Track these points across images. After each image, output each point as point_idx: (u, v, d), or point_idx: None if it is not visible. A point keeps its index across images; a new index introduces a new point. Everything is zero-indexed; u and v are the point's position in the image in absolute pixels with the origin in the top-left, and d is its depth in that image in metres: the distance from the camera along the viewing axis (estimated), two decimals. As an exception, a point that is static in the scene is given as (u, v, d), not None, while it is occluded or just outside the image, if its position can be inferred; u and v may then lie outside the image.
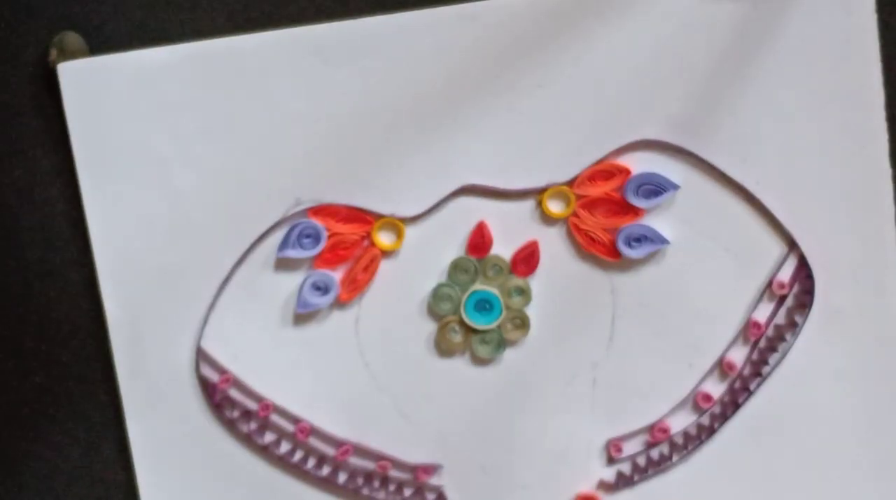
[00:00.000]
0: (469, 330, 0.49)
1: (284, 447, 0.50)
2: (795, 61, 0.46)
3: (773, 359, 0.49)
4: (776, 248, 0.48)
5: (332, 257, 0.49)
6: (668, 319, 0.49)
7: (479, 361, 0.50)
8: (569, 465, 0.50)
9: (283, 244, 0.48)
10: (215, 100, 0.47)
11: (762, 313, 0.49)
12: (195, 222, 0.48)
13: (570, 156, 0.48)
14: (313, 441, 0.50)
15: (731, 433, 0.50)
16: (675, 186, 0.48)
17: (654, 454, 0.50)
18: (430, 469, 0.50)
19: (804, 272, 0.48)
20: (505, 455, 0.50)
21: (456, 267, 0.49)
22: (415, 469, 0.50)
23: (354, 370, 0.50)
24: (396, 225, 0.48)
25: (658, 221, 0.48)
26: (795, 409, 0.49)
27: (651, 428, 0.50)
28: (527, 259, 0.49)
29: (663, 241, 0.48)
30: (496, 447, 0.50)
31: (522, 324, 0.49)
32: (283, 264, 0.49)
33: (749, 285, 0.49)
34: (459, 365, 0.50)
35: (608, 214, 0.48)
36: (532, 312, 0.49)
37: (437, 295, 0.49)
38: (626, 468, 0.50)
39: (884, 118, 0.47)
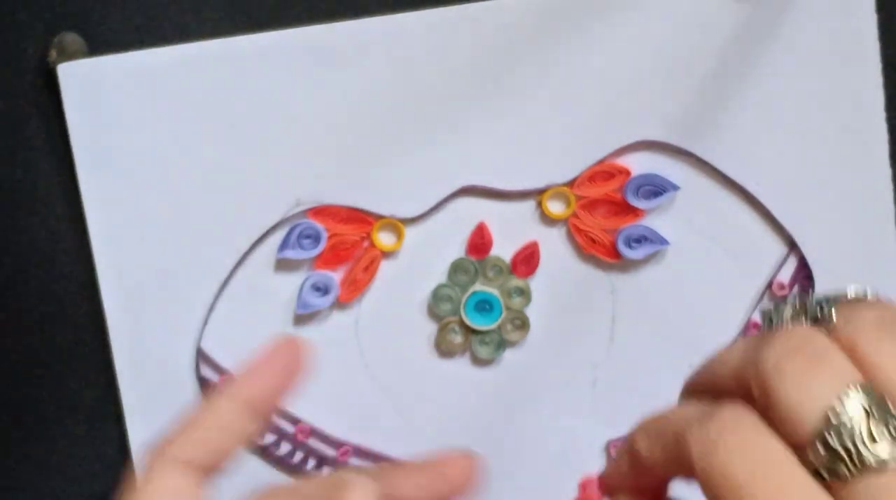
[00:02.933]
0: (469, 331, 0.49)
1: (284, 447, 0.50)
2: (795, 62, 0.46)
3: (773, 360, 0.49)
4: (776, 248, 0.48)
5: (331, 257, 0.49)
6: (668, 319, 0.49)
7: (479, 361, 0.50)
8: (569, 465, 0.50)
9: (283, 245, 0.48)
10: (215, 100, 0.47)
11: (762, 314, 0.49)
12: (195, 222, 0.48)
13: (570, 156, 0.48)
14: (313, 442, 0.50)
15: (732, 434, 0.50)
16: (675, 187, 0.48)
17: (655, 454, 0.50)
18: (430, 470, 0.50)
19: (804, 272, 0.48)
20: (505, 456, 0.50)
21: (456, 268, 0.49)
22: (415, 470, 0.50)
23: (354, 371, 0.49)
24: (396, 226, 0.48)
25: (658, 221, 0.48)
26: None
27: (651, 429, 0.50)
28: (527, 260, 0.49)
29: (663, 241, 0.48)
30: (496, 448, 0.50)
31: (522, 325, 0.49)
32: (282, 265, 0.49)
33: (749, 286, 0.49)
34: (459, 366, 0.50)
35: (608, 215, 0.48)
36: (532, 312, 0.49)
37: (436, 296, 0.49)
38: (626, 468, 0.50)
39: (884, 118, 0.47)
